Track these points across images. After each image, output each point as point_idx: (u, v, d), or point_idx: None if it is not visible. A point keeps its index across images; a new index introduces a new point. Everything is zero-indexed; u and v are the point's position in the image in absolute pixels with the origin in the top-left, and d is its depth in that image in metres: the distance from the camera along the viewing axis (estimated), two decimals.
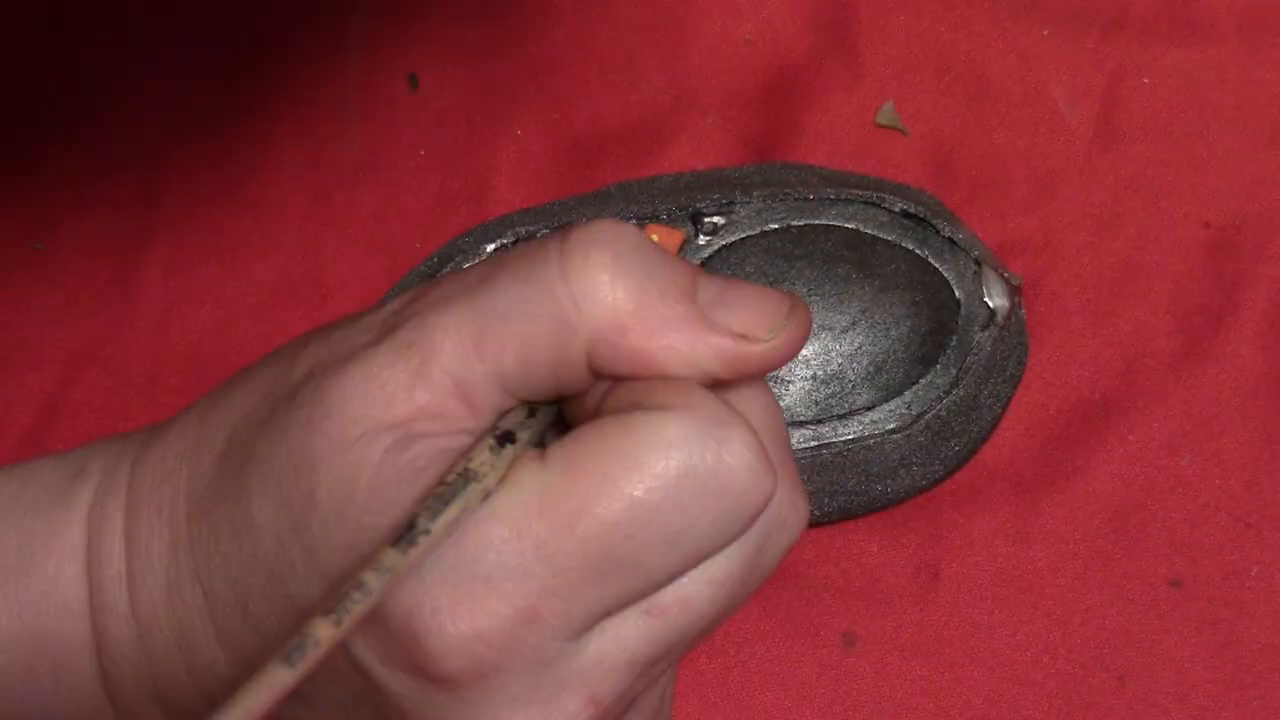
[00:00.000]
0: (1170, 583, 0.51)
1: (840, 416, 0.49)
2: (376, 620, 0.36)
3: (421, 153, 0.54)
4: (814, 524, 0.50)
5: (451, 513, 0.34)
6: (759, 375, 0.37)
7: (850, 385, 0.49)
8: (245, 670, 0.40)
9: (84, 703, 0.42)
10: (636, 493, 0.35)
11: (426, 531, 0.34)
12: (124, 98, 0.54)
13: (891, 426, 0.49)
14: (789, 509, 0.37)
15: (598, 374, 0.37)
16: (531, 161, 0.54)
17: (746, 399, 0.37)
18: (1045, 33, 0.54)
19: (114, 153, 0.54)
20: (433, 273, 0.51)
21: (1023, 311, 0.51)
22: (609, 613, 0.36)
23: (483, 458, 0.35)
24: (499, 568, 0.35)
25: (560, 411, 0.38)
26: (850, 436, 0.49)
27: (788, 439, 0.39)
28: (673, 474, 0.35)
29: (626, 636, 0.37)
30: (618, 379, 0.37)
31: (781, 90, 0.54)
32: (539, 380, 0.37)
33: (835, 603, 0.51)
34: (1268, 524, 0.51)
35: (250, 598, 0.39)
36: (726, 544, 0.36)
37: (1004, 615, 0.51)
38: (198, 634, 0.40)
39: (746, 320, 0.36)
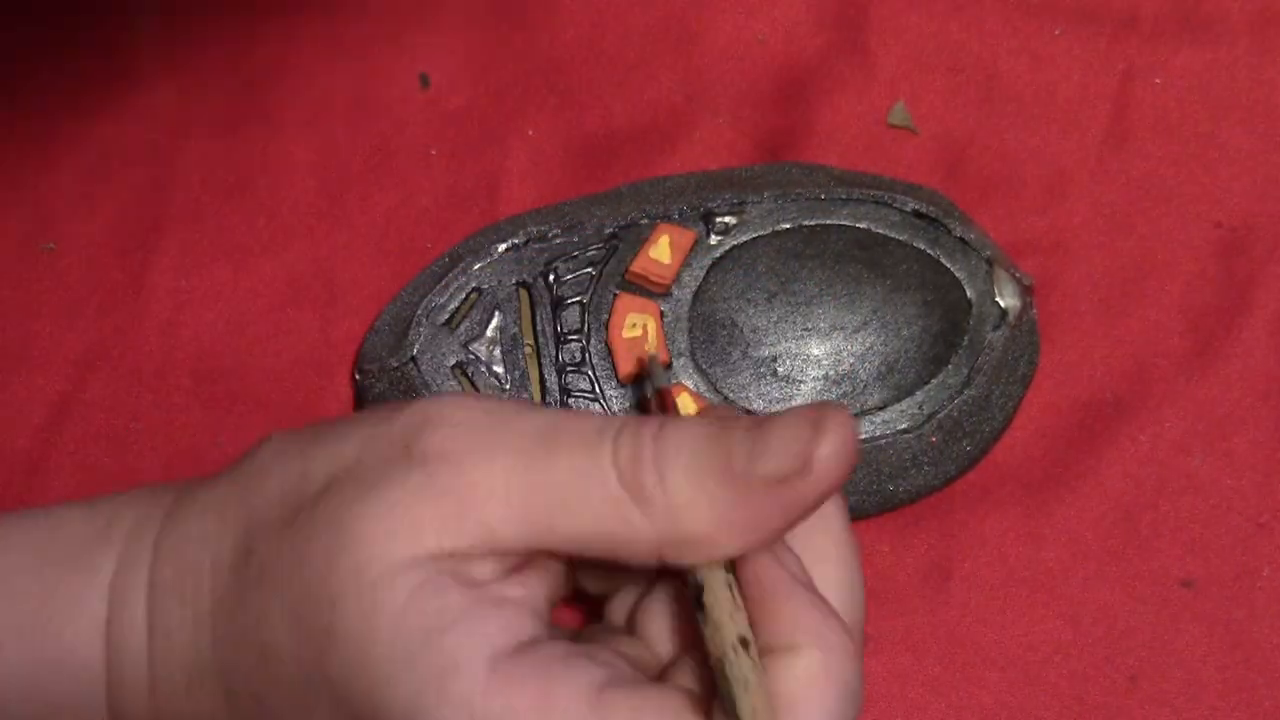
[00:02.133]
0: (1182, 583, 0.51)
1: (852, 416, 0.49)
2: None
3: (433, 152, 0.54)
4: None
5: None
6: (823, 500, 0.37)
7: (862, 385, 0.49)
8: None
9: None
10: None
11: None
12: (133, 97, 0.54)
13: (903, 426, 0.49)
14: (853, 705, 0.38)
15: (671, 566, 0.37)
16: (543, 161, 0.54)
17: (830, 543, 0.38)
18: (1057, 32, 0.54)
19: (124, 153, 0.53)
20: (444, 273, 0.51)
21: (1034, 311, 0.51)
22: None
23: (743, 664, 0.35)
24: None
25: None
26: (862, 436, 0.49)
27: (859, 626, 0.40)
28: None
29: None
30: (696, 567, 0.37)
31: (793, 90, 0.54)
32: (591, 554, 0.37)
33: None
34: (1279, 524, 0.51)
35: (273, 710, 0.38)
36: None
37: (1015, 615, 0.51)
38: None
39: (783, 460, 0.36)
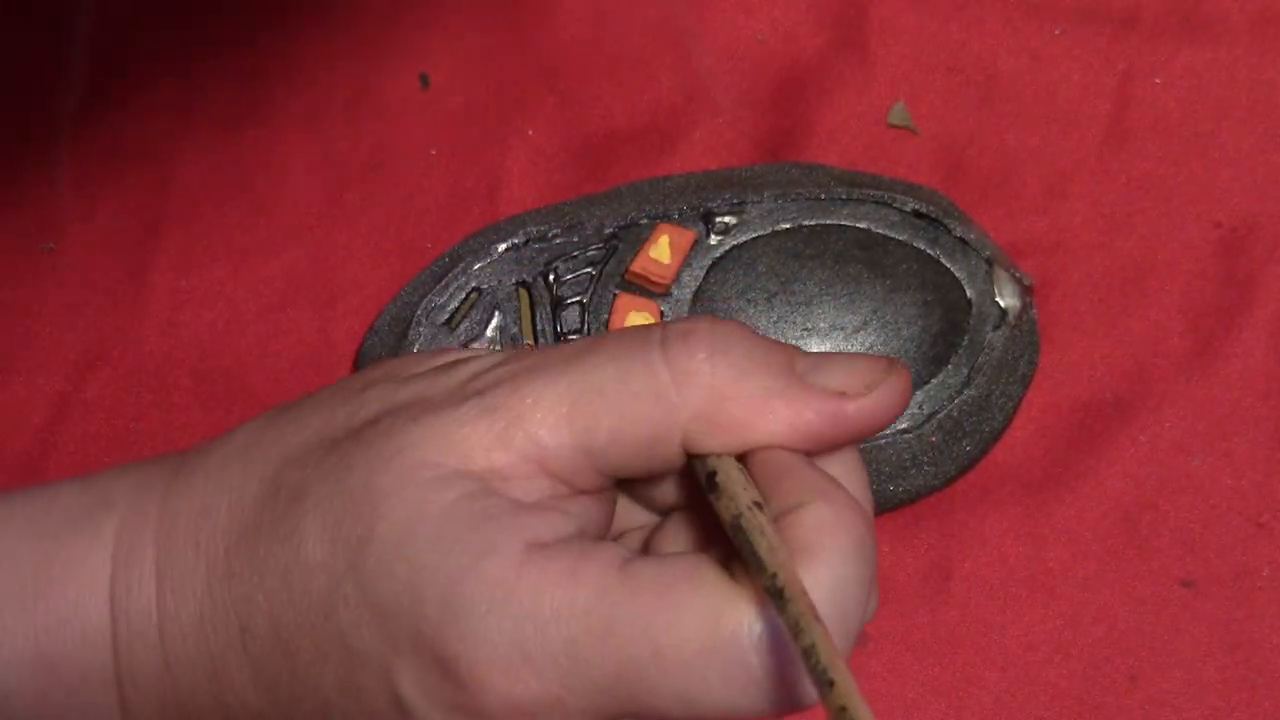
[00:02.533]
0: (1182, 583, 0.51)
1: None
2: (429, 652, 0.36)
3: (433, 152, 0.54)
4: None
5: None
6: (860, 437, 0.37)
7: None
8: (277, 705, 0.40)
9: None
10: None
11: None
12: (133, 97, 0.54)
13: (903, 426, 0.49)
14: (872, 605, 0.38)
15: (691, 452, 0.37)
16: (543, 161, 0.54)
17: (843, 471, 0.38)
18: (1057, 32, 0.54)
19: (124, 153, 0.53)
20: (444, 273, 0.51)
21: (1034, 311, 0.51)
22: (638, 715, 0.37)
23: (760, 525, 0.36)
24: (537, 650, 0.36)
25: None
26: None
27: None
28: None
29: None
30: (709, 455, 0.37)
31: (792, 89, 0.54)
32: (627, 457, 0.37)
33: None
34: (1279, 524, 0.51)
35: (291, 635, 0.39)
36: None
37: (1016, 615, 0.51)
38: (230, 668, 0.40)
39: (843, 379, 0.37)
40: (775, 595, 0.34)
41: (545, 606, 0.36)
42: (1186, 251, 0.53)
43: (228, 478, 0.40)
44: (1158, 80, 0.54)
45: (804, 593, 0.34)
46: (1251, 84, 0.54)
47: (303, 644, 0.39)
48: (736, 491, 0.36)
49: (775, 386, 0.37)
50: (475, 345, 0.50)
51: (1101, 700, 0.50)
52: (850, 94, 0.54)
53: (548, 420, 0.37)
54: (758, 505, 0.36)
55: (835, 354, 0.38)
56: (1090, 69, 0.54)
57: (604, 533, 0.40)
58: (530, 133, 0.54)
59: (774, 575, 0.34)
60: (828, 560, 0.35)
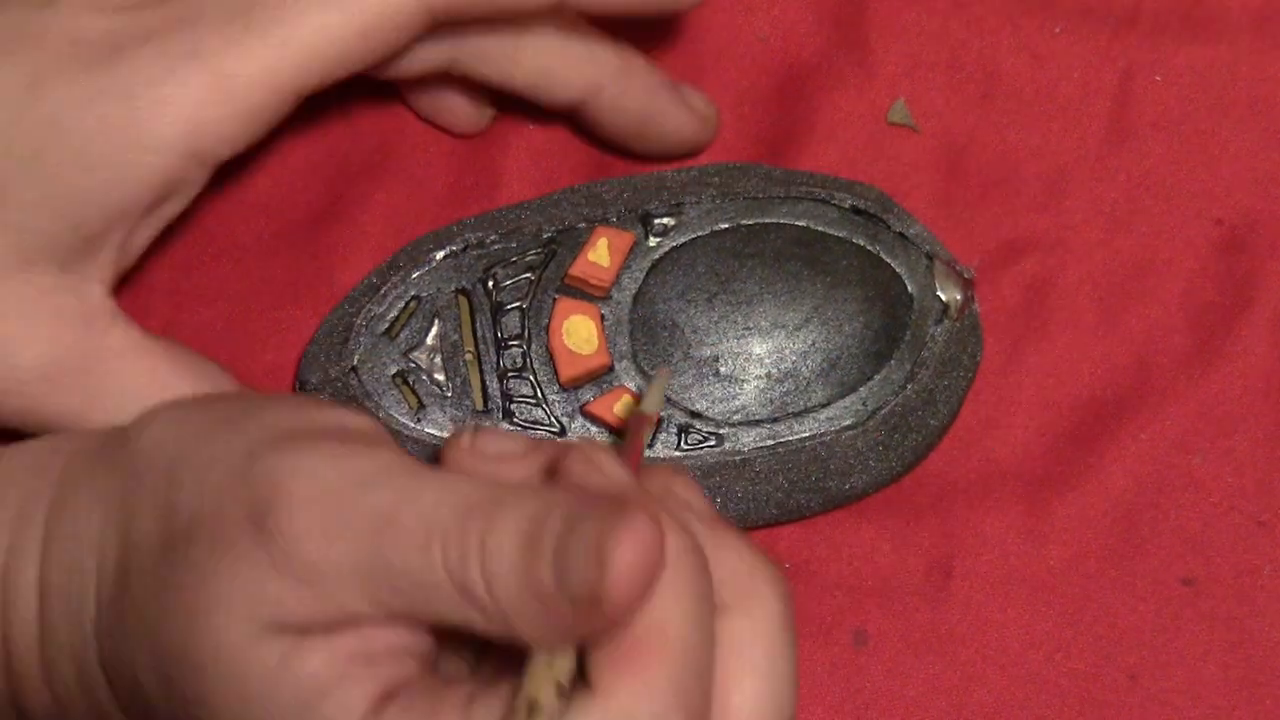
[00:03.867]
0: (1182, 581, 0.51)
1: (796, 414, 0.49)
2: None
3: (433, 150, 0.54)
4: (774, 523, 0.50)
5: None
6: (625, 617, 0.35)
7: (805, 383, 0.49)
8: None
9: None
10: None
11: None
12: None
13: (848, 423, 0.49)
14: None
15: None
16: (544, 159, 0.53)
17: (671, 635, 0.36)
18: (1057, 30, 0.54)
19: None
20: (382, 282, 0.50)
21: (976, 305, 0.51)
22: None
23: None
24: None
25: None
26: (806, 434, 0.49)
27: None
28: None
29: None
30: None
31: (792, 88, 0.54)
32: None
33: (847, 601, 0.51)
34: None
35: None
36: None
37: (1016, 613, 0.51)
38: (108, 708, 0.40)
39: (578, 588, 0.34)
40: None
41: None
42: (1187, 249, 0.53)
43: (91, 533, 0.40)
44: (1158, 78, 0.54)
45: None
46: (1253, 81, 0.54)
47: None
48: (530, 679, 0.35)
49: (539, 611, 0.35)
50: (415, 353, 0.49)
51: (1102, 698, 0.50)
52: (850, 92, 0.54)
53: (352, 598, 0.36)
54: (531, 708, 0.34)
55: (576, 524, 0.35)
56: (1091, 66, 0.54)
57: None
58: (531, 130, 0.54)
59: None
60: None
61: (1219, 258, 0.53)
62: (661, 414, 0.49)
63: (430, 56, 0.48)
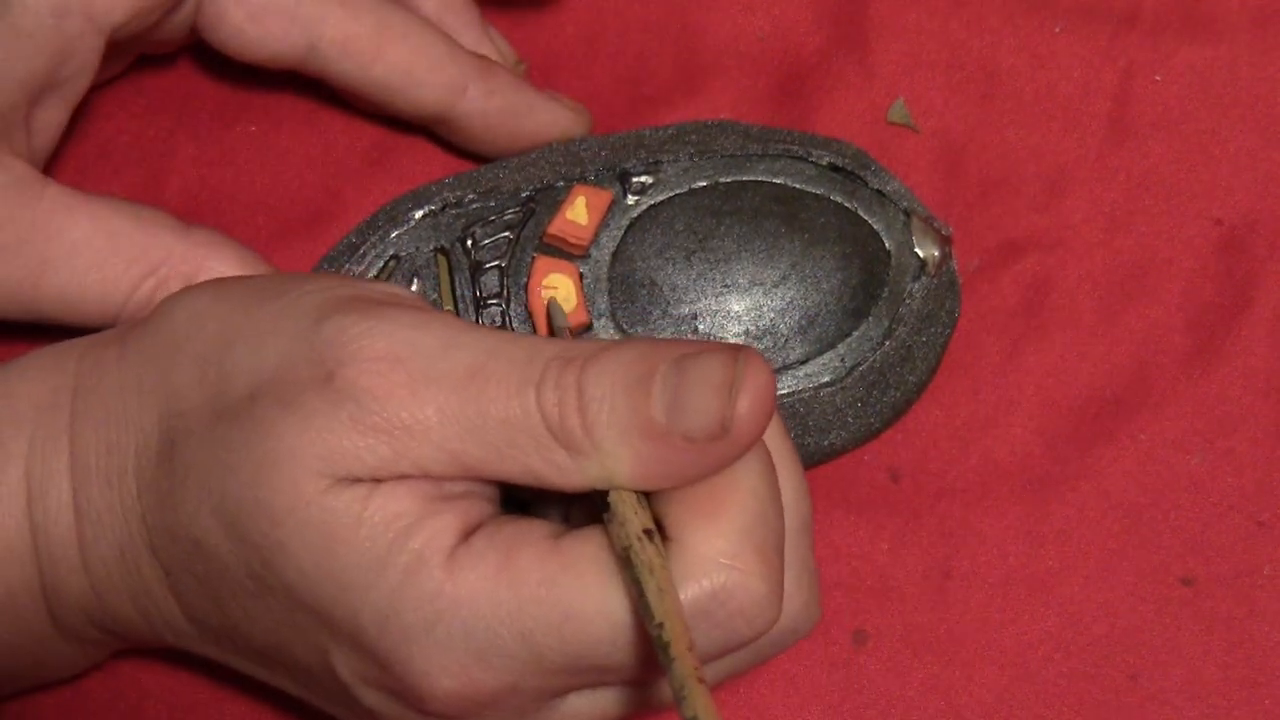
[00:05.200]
0: (1182, 581, 0.51)
1: (775, 371, 0.49)
2: (368, 653, 0.36)
3: (432, 150, 0.54)
4: None
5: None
6: (744, 452, 0.37)
7: (783, 340, 0.49)
8: (205, 632, 0.40)
9: (27, 629, 0.42)
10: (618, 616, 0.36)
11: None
12: (130, 95, 0.54)
13: (826, 379, 0.49)
14: (801, 620, 0.39)
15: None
16: None
17: (743, 488, 0.37)
18: (1057, 29, 0.54)
19: (121, 150, 0.53)
20: (361, 241, 0.50)
21: (954, 261, 0.51)
22: (586, 687, 0.37)
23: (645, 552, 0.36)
24: (490, 648, 0.36)
25: None
26: (785, 391, 0.49)
27: (804, 529, 0.40)
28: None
29: (603, 703, 0.38)
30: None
31: (792, 86, 0.54)
32: (514, 486, 0.38)
33: (846, 601, 0.51)
34: (1279, 522, 0.51)
35: (217, 589, 0.39)
36: (722, 656, 0.37)
37: (1015, 613, 0.51)
38: (156, 598, 0.40)
39: (699, 422, 0.36)
40: (661, 648, 0.34)
41: (491, 608, 0.36)
42: (1187, 249, 0.53)
43: (126, 412, 0.40)
44: (1158, 77, 0.54)
45: (689, 649, 0.34)
46: (1252, 81, 0.54)
47: (229, 599, 0.39)
48: (628, 515, 0.36)
49: (647, 451, 0.36)
50: None
51: (1102, 698, 0.50)
52: (850, 92, 0.54)
53: (432, 456, 0.37)
54: (648, 534, 0.36)
55: (689, 368, 0.37)
56: (1090, 66, 0.54)
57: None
58: None
59: (660, 625, 0.34)
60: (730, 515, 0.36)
61: (1219, 258, 0.53)
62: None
63: (290, 40, 0.48)
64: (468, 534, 0.37)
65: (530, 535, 0.37)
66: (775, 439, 0.40)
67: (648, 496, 0.38)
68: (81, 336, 0.44)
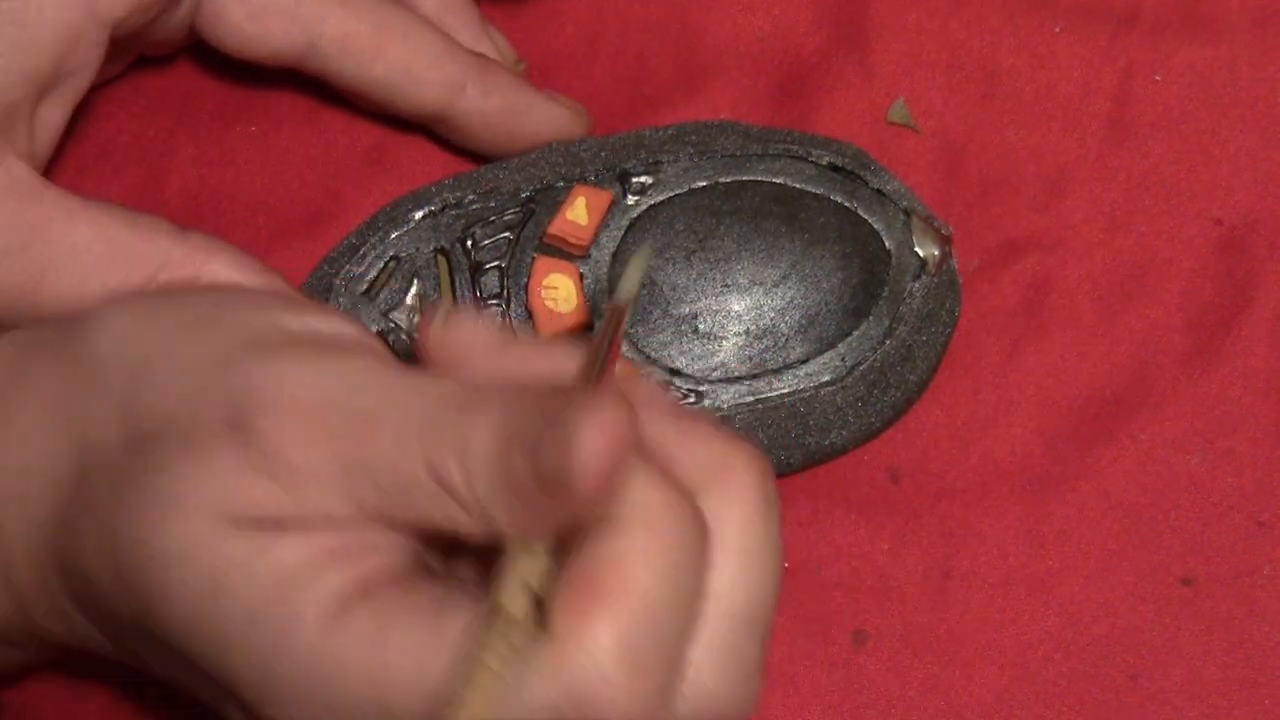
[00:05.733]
0: (1182, 581, 0.51)
1: (775, 371, 0.49)
2: (252, 714, 0.36)
3: (432, 146, 0.54)
4: None
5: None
6: (594, 504, 0.34)
7: (783, 339, 0.50)
8: (130, 656, 0.40)
9: None
10: None
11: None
12: (129, 95, 0.54)
13: (827, 379, 0.49)
14: (732, 716, 0.37)
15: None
16: None
17: (631, 583, 0.35)
18: (1057, 29, 0.54)
19: (120, 150, 0.53)
20: (361, 243, 0.50)
21: (954, 261, 0.51)
22: None
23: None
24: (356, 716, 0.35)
25: None
26: (785, 390, 0.49)
27: (750, 619, 0.37)
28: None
29: None
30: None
31: (792, 86, 0.54)
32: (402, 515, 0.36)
33: (846, 601, 0.51)
34: None
35: (121, 634, 0.39)
36: None
37: (1015, 613, 0.51)
38: (75, 620, 0.40)
39: (548, 475, 0.34)
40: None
41: (359, 681, 0.35)
42: (1187, 249, 0.53)
43: (42, 432, 0.39)
44: (1158, 77, 0.54)
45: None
46: (1253, 81, 0.54)
47: (131, 640, 0.38)
48: (502, 595, 0.34)
49: (514, 504, 0.35)
50: (395, 314, 0.49)
51: (1101, 698, 0.50)
52: (850, 92, 0.54)
53: (331, 500, 0.36)
54: (505, 618, 0.34)
55: (552, 418, 0.34)
56: (1090, 66, 0.54)
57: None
58: None
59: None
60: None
61: (1219, 258, 0.53)
62: (641, 371, 0.49)
63: (290, 38, 0.48)
64: (360, 595, 0.35)
65: (415, 604, 0.35)
66: (743, 520, 0.37)
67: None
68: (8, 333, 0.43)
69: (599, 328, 0.45)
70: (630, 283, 0.41)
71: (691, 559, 0.35)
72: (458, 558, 0.39)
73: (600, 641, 0.33)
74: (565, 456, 0.33)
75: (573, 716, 0.33)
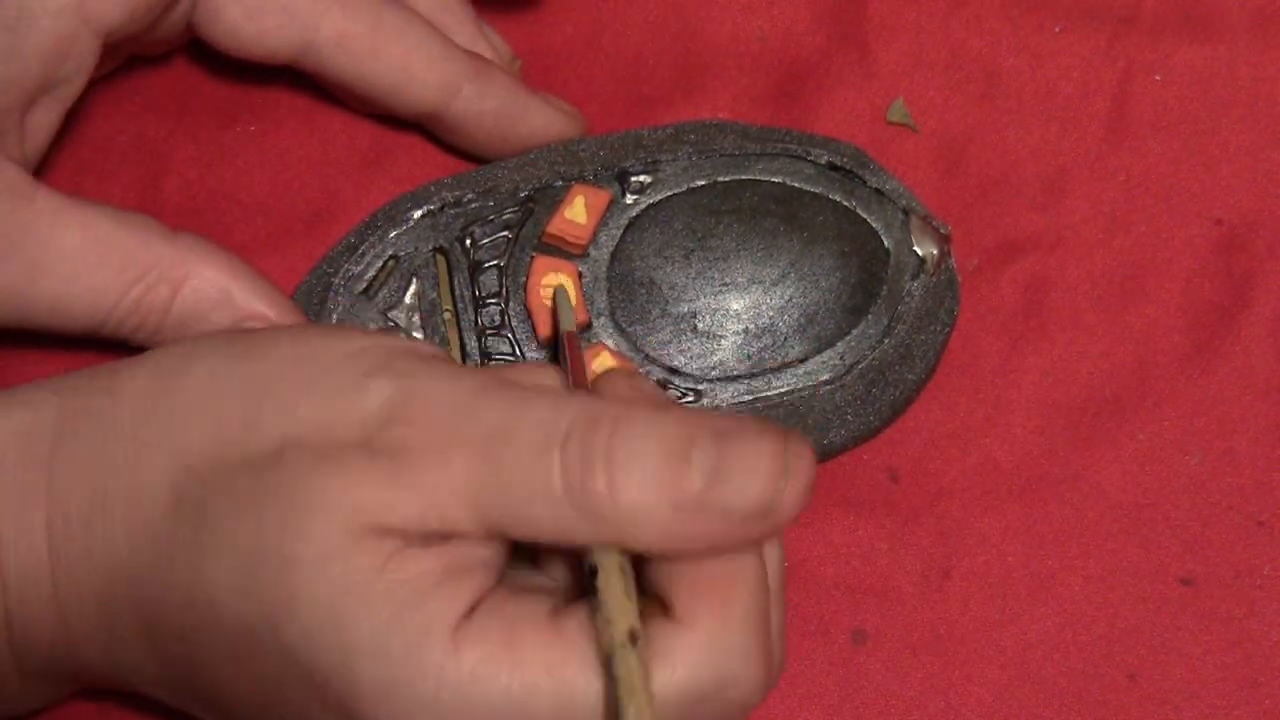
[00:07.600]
0: (1181, 581, 0.51)
1: (773, 369, 0.50)
2: None
3: (431, 146, 0.54)
4: None
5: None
6: (775, 534, 0.38)
7: (782, 338, 0.50)
8: (175, 685, 0.40)
9: None
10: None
11: None
12: (128, 94, 0.54)
13: (825, 377, 0.50)
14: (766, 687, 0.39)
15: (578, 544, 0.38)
16: None
17: (754, 577, 0.38)
18: (1057, 29, 0.54)
19: (119, 150, 0.53)
20: (360, 242, 0.50)
21: (952, 260, 0.51)
22: None
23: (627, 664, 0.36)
24: None
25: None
26: (784, 389, 0.49)
27: (780, 592, 0.40)
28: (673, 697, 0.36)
29: None
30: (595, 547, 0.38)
31: (792, 86, 0.54)
32: (531, 541, 0.38)
33: (846, 600, 0.51)
34: (1279, 522, 0.51)
35: (200, 647, 0.39)
36: None
37: (1015, 613, 0.51)
38: (131, 650, 0.40)
39: (746, 500, 0.37)
40: None
41: (492, 691, 0.36)
42: (1186, 249, 0.53)
43: (116, 459, 0.40)
44: (1158, 77, 0.54)
45: None
46: (1252, 81, 0.54)
47: (216, 660, 0.38)
48: (614, 613, 0.36)
49: (677, 519, 0.36)
50: (394, 313, 0.49)
51: (1101, 698, 0.50)
52: (849, 91, 0.54)
53: (459, 513, 0.37)
54: (633, 639, 0.36)
55: (732, 444, 0.37)
56: (1090, 66, 0.54)
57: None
58: None
59: None
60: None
61: (1218, 258, 0.53)
62: (641, 370, 0.49)
63: (286, 37, 0.48)
64: (473, 608, 0.37)
65: (532, 614, 0.37)
66: None
67: (641, 561, 0.38)
68: (54, 376, 0.43)
69: (561, 357, 0.46)
70: (565, 315, 0.46)
71: (779, 543, 0.39)
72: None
73: (739, 631, 0.37)
74: (771, 486, 0.36)
75: (718, 701, 0.36)
